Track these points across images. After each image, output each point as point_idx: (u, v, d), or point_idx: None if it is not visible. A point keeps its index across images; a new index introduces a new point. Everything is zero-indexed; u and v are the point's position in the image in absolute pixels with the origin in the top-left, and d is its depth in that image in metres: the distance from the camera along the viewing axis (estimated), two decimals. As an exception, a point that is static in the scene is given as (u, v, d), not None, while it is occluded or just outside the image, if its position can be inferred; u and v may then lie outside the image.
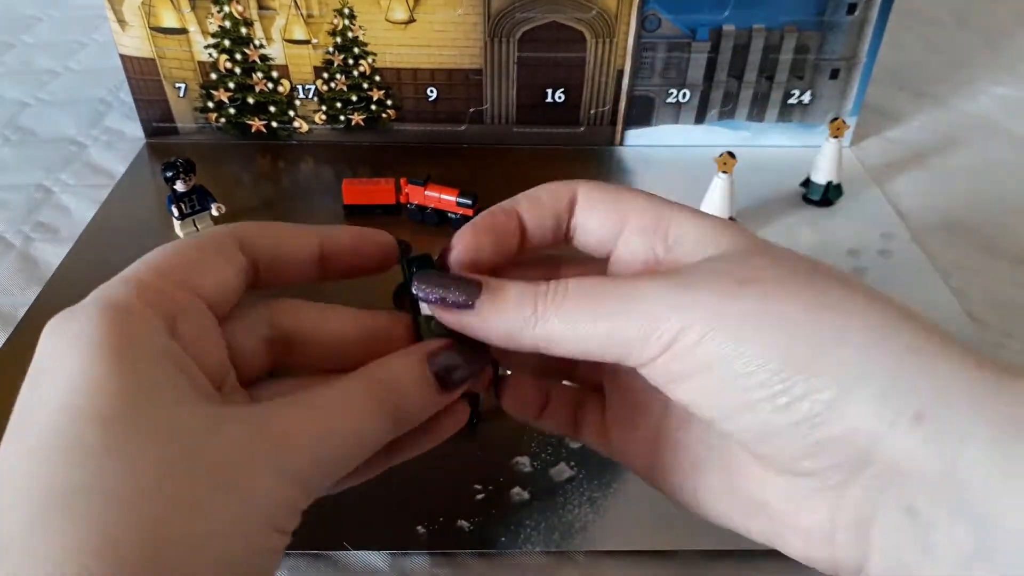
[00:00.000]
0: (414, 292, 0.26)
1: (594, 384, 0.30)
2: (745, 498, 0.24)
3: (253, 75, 0.60)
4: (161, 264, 0.25)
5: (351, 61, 0.59)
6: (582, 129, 0.63)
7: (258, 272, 0.27)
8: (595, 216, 0.27)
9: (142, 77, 0.60)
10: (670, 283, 0.23)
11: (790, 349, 0.21)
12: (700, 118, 0.62)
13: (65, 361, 0.21)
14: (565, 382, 0.31)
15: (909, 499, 0.20)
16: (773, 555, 0.35)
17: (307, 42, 0.58)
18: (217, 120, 0.62)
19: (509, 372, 0.30)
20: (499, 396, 0.30)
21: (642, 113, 0.62)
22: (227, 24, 0.57)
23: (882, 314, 0.21)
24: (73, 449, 0.19)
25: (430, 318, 0.27)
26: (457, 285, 0.25)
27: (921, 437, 0.19)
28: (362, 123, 0.62)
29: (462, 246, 0.27)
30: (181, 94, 0.61)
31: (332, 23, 0.57)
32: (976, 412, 0.19)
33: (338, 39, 0.58)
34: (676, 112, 0.62)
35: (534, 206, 0.28)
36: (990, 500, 0.19)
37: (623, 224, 0.26)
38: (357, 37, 0.58)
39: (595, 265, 0.28)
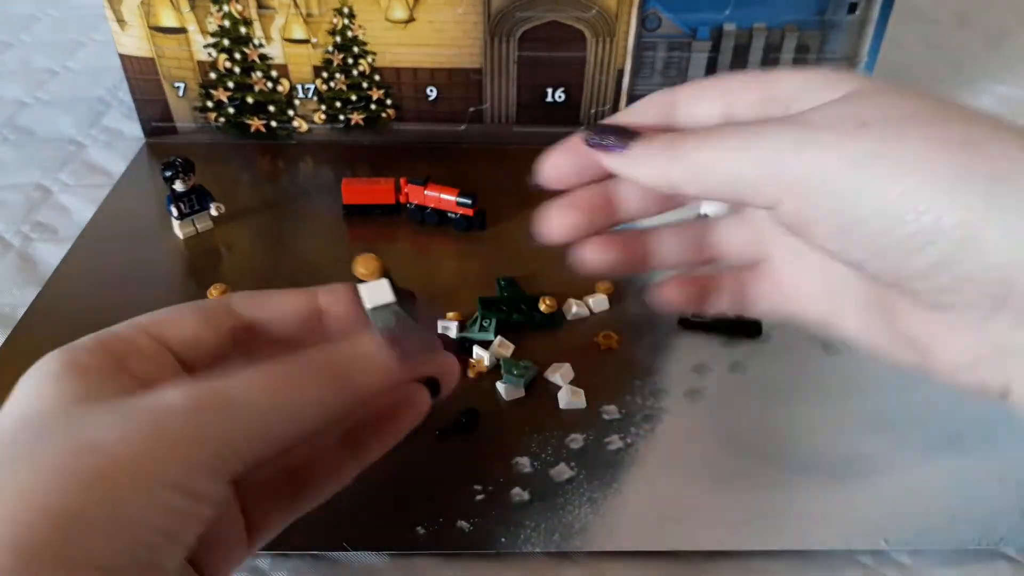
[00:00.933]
0: (584, 138, 0.28)
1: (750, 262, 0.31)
2: (898, 334, 0.25)
3: (252, 74, 0.59)
4: (143, 318, 0.26)
5: (351, 60, 0.59)
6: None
7: (253, 333, 0.28)
8: (701, 105, 0.27)
9: (141, 76, 0.60)
10: (792, 125, 0.23)
11: (914, 190, 0.21)
12: (700, 118, 0.62)
13: (19, 388, 0.23)
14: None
15: None
16: (773, 555, 0.35)
17: (307, 41, 0.58)
18: (216, 120, 0.62)
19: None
20: (652, 296, 0.30)
21: (642, 113, 0.62)
22: (226, 23, 0.57)
23: (1005, 148, 0.21)
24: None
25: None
26: (618, 133, 0.27)
27: None
28: (362, 123, 0.62)
29: (551, 163, 0.29)
30: (180, 93, 0.61)
31: (332, 22, 0.57)
32: None
33: (338, 38, 0.58)
34: (676, 112, 0.62)
35: (631, 116, 0.28)
36: None
37: (731, 106, 0.27)
38: (357, 36, 0.58)
39: None
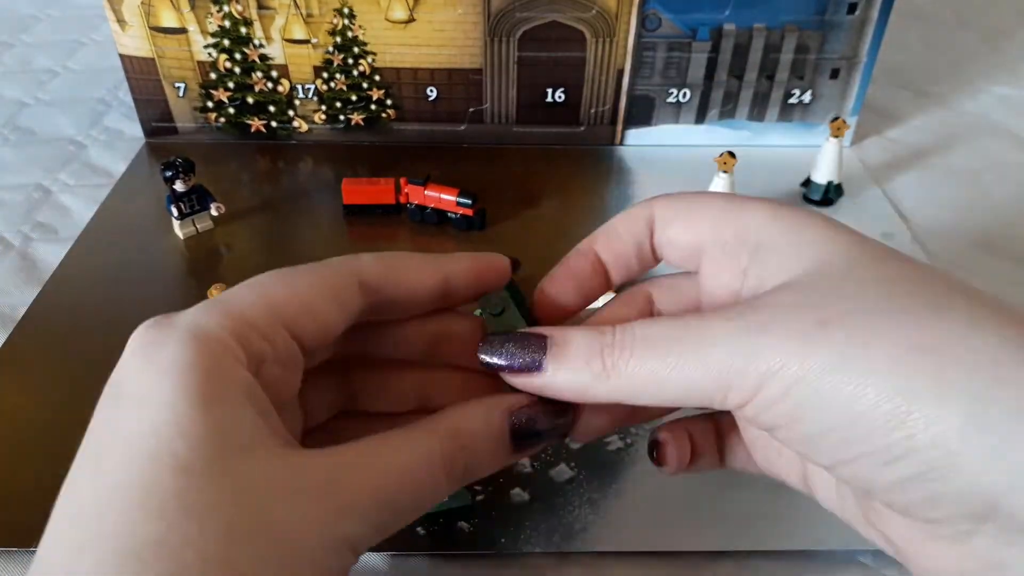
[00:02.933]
0: (482, 358, 0.25)
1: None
2: (877, 529, 0.23)
3: (253, 75, 0.60)
4: (271, 297, 0.24)
5: (351, 61, 0.59)
6: (582, 129, 0.62)
7: (375, 311, 0.26)
8: (674, 230, 0.26)
9: (141, 77, 0.60)
10: (744, 326, 0.21)
11: (882, 402, 0.19)
12: (700, 118, 0.62)
13: (152, 393, 0.20)
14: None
15: None
16: (773, 555, 0.35)
17: (307, 42, 0.58)
18: (217, 120, 0.62)
19: (660, 435, 0.29)
20: (660, 463, 0.29)
21: (642, 113, 0.62)
22: (226, 24, 0.57)
23: (985, 350, 0.19)
24: (151, 499, 0.19)
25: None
26: (522, 347, 0.24)
27: None
28: (362, 123, 0.62)
29: (544, 299, 0.27)
30: (180, 94, 0.61)
31: (332, 23, 0.57)
32: None
33: (338, 39, 0.58)
34: (676, 112, 0.62)
35: (610, 239, 0.27)
36: None
37: (701, 236, 0.25)
38: (357, 37, 0.58)
39: (691, 282, 0.27)
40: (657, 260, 0.28)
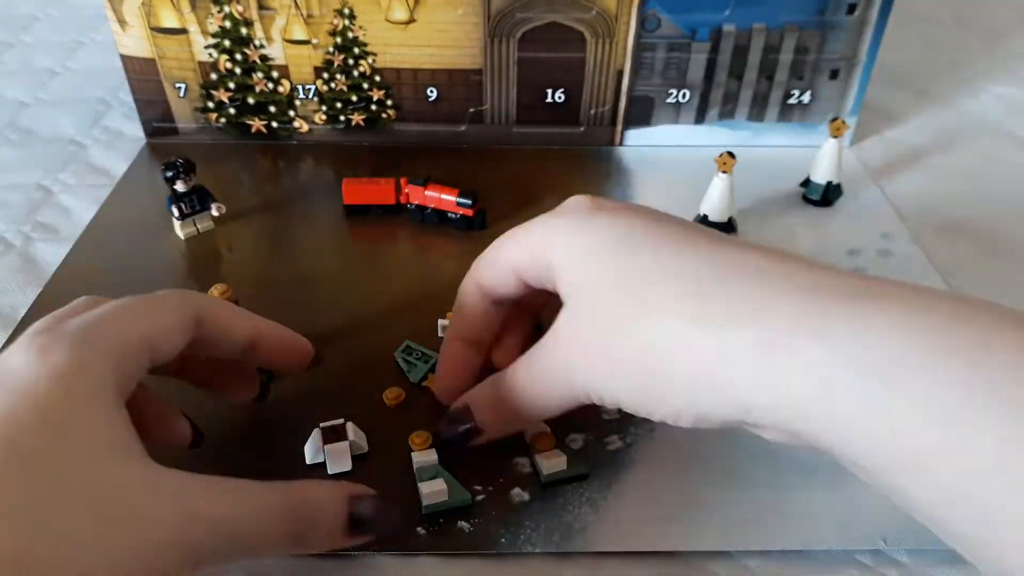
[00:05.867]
0: (443, 437, 0.36)
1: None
2: None
3: (253, 75, 0.60)
4: (143, 329, 0.28)
5: (351, 61, 0.59)
6: (582, 129, 0.63)
7: (200, 343, 0.30)
8: (495, 280, 0.35)
9: (142, 77, 0.60)
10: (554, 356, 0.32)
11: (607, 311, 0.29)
12: (700, 118, 0.62)
13: (34, 387, 0.24)
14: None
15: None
16: (773, 555, 0.35)
17: (307, 42, 0.58)
18: (217, 120, 0.62)
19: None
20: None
21: (642, 113, 0.62)
22: (227, 24, 0.57)
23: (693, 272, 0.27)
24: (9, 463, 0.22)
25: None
26: (457, 421, 0.35)
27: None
28: (362, 123, 0.62)
29: (444, 397, 0.38)
30: (181, 94, 0.61)
31: (332, 23, 0.57)
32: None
33: (338, 39, 0.58)
34: (676, 112, 0.62)
35: (464, 323, 0.36)
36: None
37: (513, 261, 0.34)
38: (357, 37, 0.58)
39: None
40: (527, 288, 0.34)
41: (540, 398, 0.32)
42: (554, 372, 0.31)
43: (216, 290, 0.46)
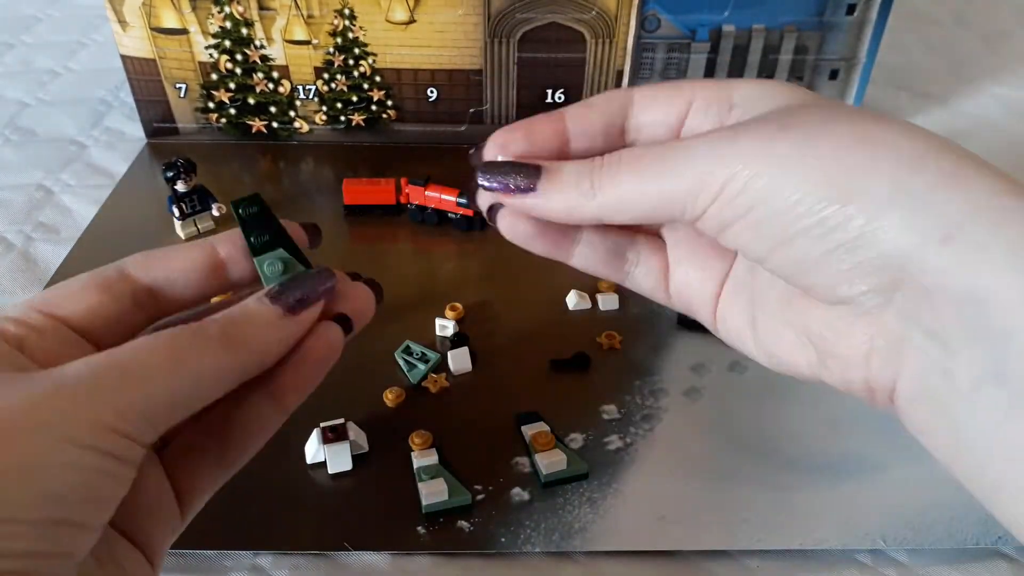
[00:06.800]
0: (480, 183, 0.27)
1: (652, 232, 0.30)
2: (795, 333, 0.26)
3: (254, 75, 0.60)
4: (35, 297, 0.26)
5: (351, 62, 0.59)
6: (582, 129, 0.63)
7: (156, 296, 0.28)
8: (657, 108, 0.28)
9: (143, 77, 0.60)
10: (717, 137, 0.24)
11: (824, 182, 0.22)
12: (700, 118, 0.62)
13: None
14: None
15: (935, 322, 0.21)
16: (773, 555, 0.35)
17: (307, 43, 0.58)
18: (218, 120, 0.62)
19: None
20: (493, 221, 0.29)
21: (642, 113, 0.62)
22: (228, 25, 0.57)
23: (913, 144, 0.22)
24: None
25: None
26: (518, 171, 0.26)
27: (949, 257, 0.20)
28: (362, 123, 0.62)
29: (492, 142, 0.28)
30: (182, 94, 0.61)
31: (332, 24, 0.58)
32: (1001, 234, 0.20)
33: (338, 40, 0.58)
34: (676, 112, 0.62)
35: (583, 109, 0.28)
36: (1008, 317, 0.19)
37: (687, 108, 0.27)
38: (357, 38, 0.58)
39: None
40: (624, 143, 0.29)
41: (650, 175, 0.25)
42: (688, 151, 0.25)
43: (216, 290, 0.46)
